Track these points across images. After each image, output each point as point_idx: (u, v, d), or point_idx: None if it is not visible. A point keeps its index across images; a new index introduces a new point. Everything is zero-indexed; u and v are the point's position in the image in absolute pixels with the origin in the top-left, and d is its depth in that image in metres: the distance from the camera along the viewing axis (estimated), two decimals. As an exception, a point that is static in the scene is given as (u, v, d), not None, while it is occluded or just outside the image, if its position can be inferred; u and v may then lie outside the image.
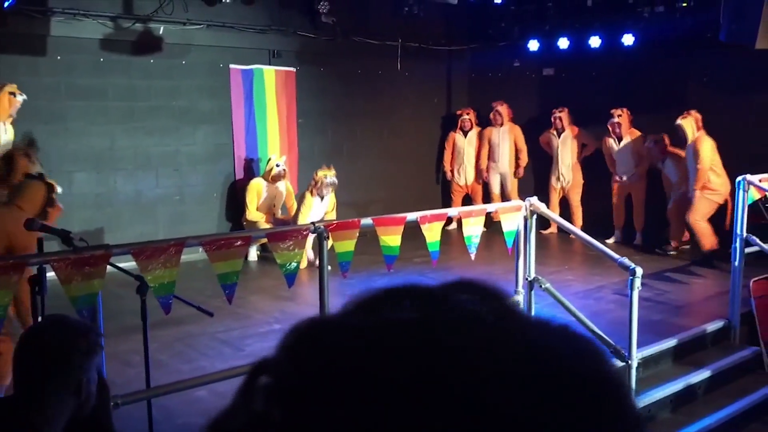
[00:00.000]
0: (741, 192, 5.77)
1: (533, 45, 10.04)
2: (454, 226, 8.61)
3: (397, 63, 10.13)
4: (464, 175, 10.47)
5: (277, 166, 8.37)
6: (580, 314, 4.72)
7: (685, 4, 8.61)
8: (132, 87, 8.27)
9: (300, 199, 8.29)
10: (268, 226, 8.03)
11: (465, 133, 10.39)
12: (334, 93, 9.86)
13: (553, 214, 5.86)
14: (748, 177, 5.78)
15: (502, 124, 10.09)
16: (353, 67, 10.00)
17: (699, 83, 8.97)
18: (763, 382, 5.58)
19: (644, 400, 4.84)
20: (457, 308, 0.51)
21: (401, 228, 4.26)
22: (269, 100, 9.28)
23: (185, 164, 8.77)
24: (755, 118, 8.40)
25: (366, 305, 0.53)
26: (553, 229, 9.53)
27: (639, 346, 4.66)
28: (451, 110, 11.08)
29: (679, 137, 8.13)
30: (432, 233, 4.42)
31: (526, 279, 4.87)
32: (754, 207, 6.00)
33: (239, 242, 3.77)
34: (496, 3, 10.06)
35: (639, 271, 4.39)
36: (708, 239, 7.90)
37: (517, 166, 10.18)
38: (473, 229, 4.68)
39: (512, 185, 10.19)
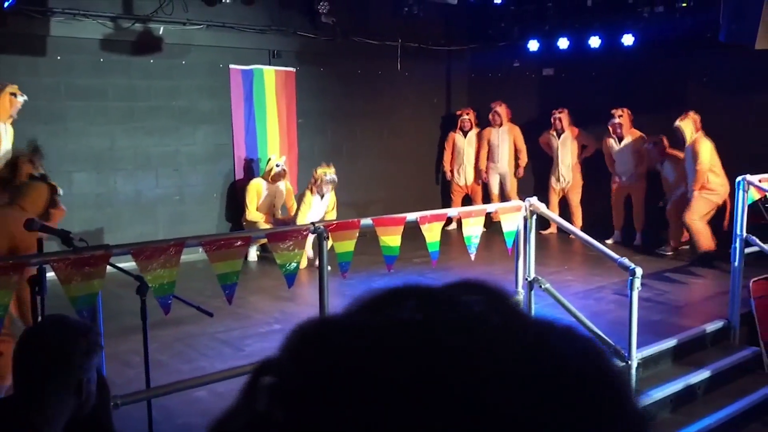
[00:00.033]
0: (741, 192, 5.76)
1: (533, 45, 10.04)
2: (453, 226, 8.60)
3: (397, 63, 10.13)
4: (464, 176, 10.46)
5: (277, 166, 8.36)
6: (580, 314, 4.73)
7: (684, 4, 8.61)
8: (132, 87, 8.27)
9: (300, 198, 8.28)
10: (267, 226, 8.02)
11: (465, 134, 10.39)
12: (333, 93, 9.86)
13: (553, 214, 5.85)
14: (748, 177, 5.77)
15: (501, 125, 10.09)
16: (353, 67, 10.00)
17: (699, 83, 8.97)
18: (762, 382, 5.58)
19: (644, 401, 4.83)
20: (460, 309, 0.51)
21: (401, 228, 4.27)
22: (269, 100, 9.28)
23: (185, 164, 8.77)
24: (755, 118, 8.40)
25: (370, 305, 0.53)
26: (552, 229, 9.52)
27: (639, 346, 4.67)
28: (450, 110, 11.08)
29: (678, 139, 8.13)
30: (432, 233, 4.42)
31: (526, 279, 4.87)
32: (753, 207, 5.99)
33: (239, 242, 3.77)
34: (496, 3, 10.06)
35: (639, 271, 4.40)
36: (705, 239, 7.89)
37: (516, 166, 10.18)
38: (473, 230, 4.69)
39: (512, 185, 10.18)
